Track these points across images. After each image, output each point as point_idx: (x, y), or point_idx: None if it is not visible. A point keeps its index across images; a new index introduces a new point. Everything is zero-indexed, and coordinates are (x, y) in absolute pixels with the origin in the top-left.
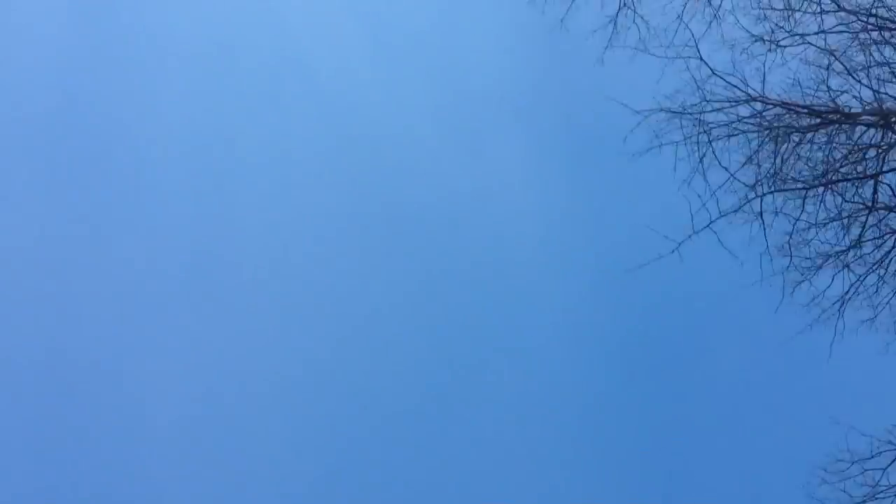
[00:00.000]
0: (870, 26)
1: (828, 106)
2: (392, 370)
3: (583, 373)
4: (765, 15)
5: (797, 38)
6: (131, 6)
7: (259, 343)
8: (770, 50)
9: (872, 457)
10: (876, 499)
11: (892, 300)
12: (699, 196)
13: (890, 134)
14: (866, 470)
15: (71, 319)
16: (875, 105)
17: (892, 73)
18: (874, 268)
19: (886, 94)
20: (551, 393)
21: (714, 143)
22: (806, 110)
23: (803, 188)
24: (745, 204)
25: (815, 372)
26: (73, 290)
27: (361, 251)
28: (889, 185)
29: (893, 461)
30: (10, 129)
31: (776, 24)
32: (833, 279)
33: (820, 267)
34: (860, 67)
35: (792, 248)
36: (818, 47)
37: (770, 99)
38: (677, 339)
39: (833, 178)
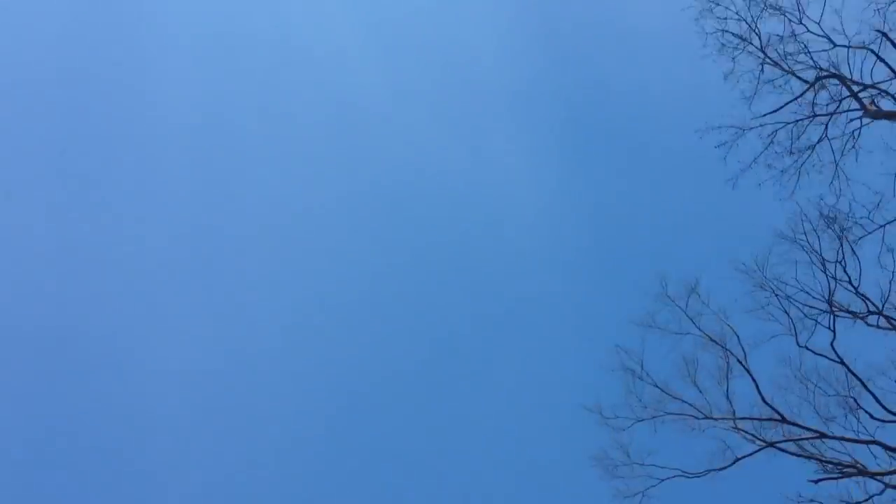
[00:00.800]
0: None
1: None
2: (393, 357)
3: (581, 364)
4: None
5: None
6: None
7: (261, 335)
8: None
9: None
10: None
11: None
12: None
13: None
14: None
15: (73, 315)
16: None
17: None
18: None
19: None
20: (551, 387)
21: None
22: None
23: None
24: None
25: None
26: (75, 286)
27: (361, 242)
28: None
29: None
30: (18, 122)
31: None
32: None
33: None
34: None
35: None
36: None
37: None
38: None
39: None
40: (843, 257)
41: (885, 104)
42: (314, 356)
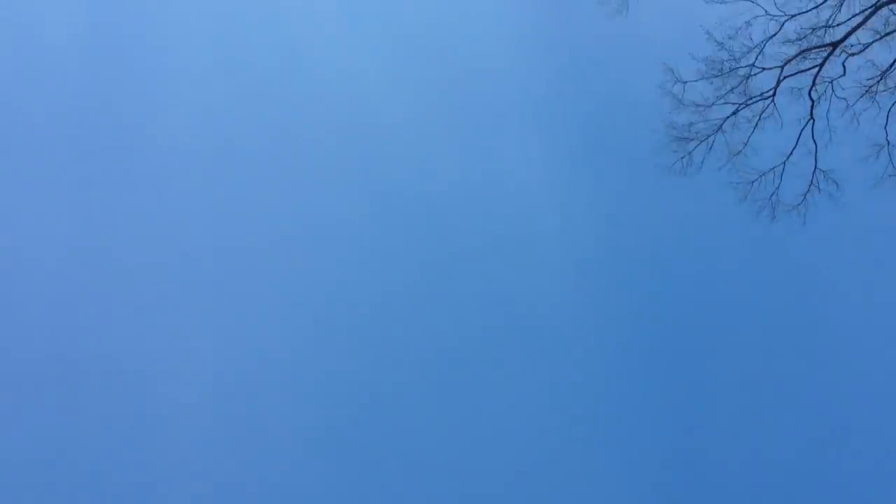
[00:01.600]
0: None
1: None
2: (402, 357)
3: (589, 367)
4: None
5: None
6: (140, 8)
7: (268, 336)
8: None
9: None
10: None
11: None
12: None
13: None
14: None
15: (78, 318)
16: None
17: None
18: None
19: None
20: (558, 385)
21: None
22: None
23: None
24: None
25: None
26: (79, 289)
27: (372, 247)
28: None
29: None
30: (23, 129)
31: None
32: None
33: None
34: None
35: None
36: None
37: None
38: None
39: None
40: None
41: None
42: (327, 362)
